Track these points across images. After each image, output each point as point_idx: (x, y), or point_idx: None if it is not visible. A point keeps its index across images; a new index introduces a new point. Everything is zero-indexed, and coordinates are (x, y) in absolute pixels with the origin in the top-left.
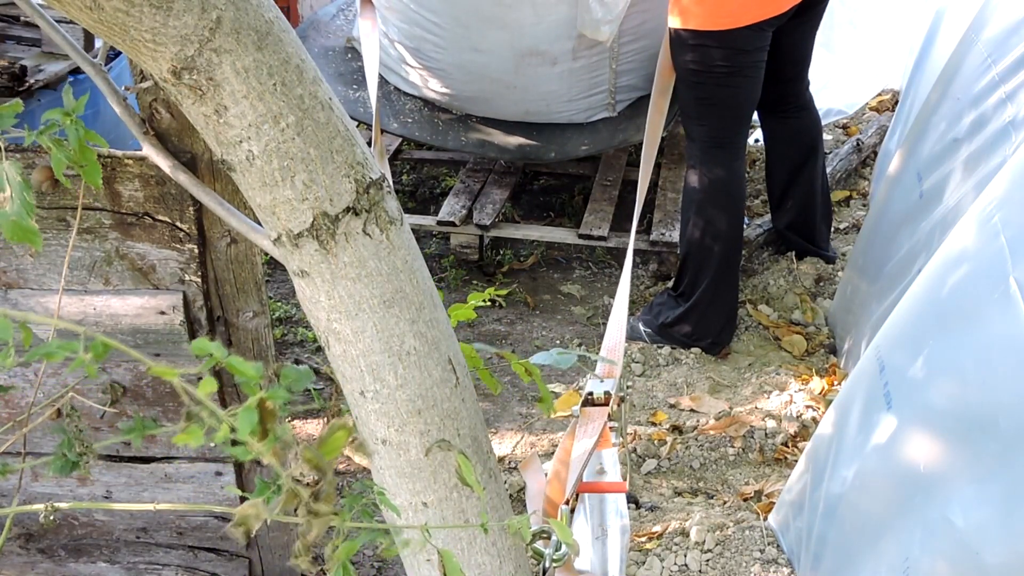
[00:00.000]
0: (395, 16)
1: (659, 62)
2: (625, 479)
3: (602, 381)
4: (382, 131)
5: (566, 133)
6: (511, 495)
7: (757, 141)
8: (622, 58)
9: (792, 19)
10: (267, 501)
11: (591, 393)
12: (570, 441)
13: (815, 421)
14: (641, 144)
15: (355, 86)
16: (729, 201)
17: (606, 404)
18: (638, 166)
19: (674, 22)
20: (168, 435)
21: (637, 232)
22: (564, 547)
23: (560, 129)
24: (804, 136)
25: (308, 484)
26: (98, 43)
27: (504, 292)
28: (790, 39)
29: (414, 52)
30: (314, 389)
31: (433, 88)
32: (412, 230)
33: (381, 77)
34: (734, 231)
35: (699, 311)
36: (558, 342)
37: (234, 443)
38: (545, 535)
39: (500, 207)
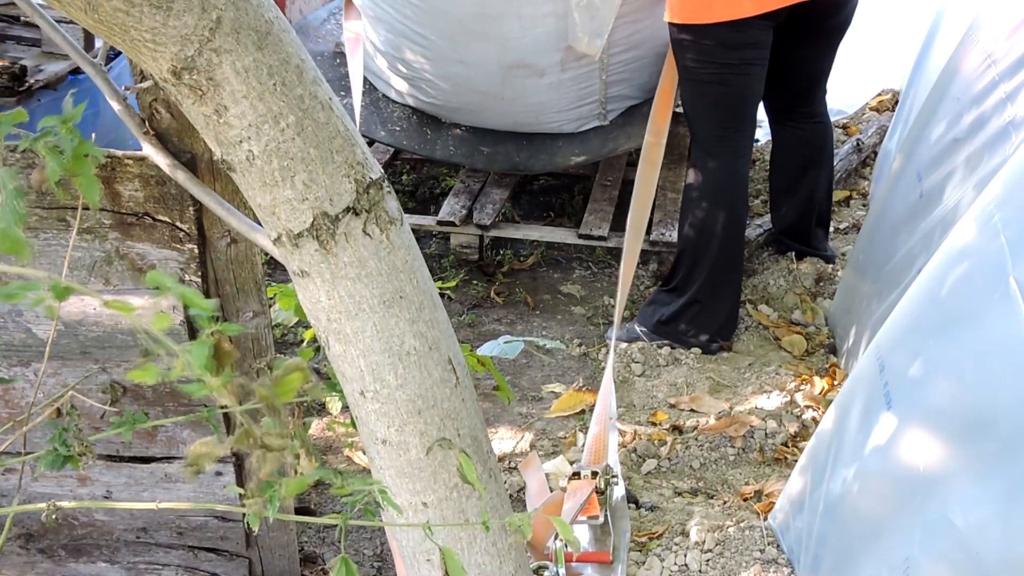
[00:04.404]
0: (381, 26)
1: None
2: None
3: (588, 467)
4: (372, 141)
5: (557, 143)
6: (511, 495)
7: (758, 141)
8: (612, 69)
9: (799, 34)
10: (271, 499)
11: (578, 473)
12: (559, 499)
13: (815, 421)
14: (632, 151)
15: (342, 92)
16: (727, 200)
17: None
18: (638, 166)
19: (664, 16)
20: (168, 435)
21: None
22: None
23: (551, 139)
24: (808, 148)
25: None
26: (98, 43)
27: (452, 284)
28: (799, 53)
29: (401, 62)
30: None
31: (421, 97)
32: (412, 230)
33: (370, 84)
34: (733, 230)
35: (696, 308)
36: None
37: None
38: (545, 569)
39: (500, 207)
